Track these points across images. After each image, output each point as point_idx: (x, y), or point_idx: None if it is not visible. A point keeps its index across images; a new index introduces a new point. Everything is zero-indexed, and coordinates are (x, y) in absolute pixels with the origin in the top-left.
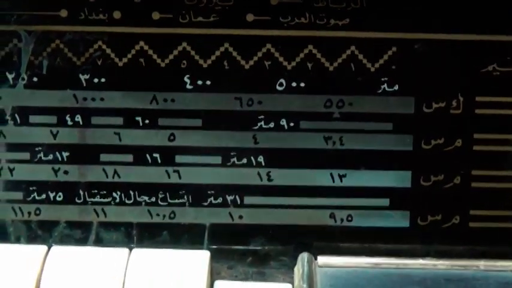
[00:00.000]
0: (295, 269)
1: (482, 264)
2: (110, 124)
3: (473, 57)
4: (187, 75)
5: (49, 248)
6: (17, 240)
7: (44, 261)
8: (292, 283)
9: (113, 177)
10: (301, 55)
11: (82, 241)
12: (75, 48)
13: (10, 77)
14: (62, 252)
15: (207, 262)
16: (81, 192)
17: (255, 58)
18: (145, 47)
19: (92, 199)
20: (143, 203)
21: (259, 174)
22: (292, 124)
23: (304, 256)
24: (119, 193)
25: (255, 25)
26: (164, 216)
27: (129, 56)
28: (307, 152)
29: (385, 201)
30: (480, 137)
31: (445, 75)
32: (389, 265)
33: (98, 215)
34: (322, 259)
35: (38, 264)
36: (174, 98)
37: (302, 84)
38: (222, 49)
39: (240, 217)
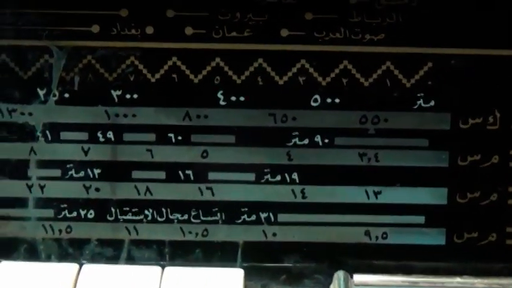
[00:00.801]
0: (331, 287)
1: None
2: (142, 140)
3: (511, 72)
4: (221, 91)
5: (80, 266)
6: (48, 259)
7: (75, 280)
8: None
9: (145, 194)
10: (336, 70)
11: (113, 259)
12: (107, 64)
13: (41, 93)
14: (94, 271)
15: (241, 281)
16: (113, 210)
17: (289, 74)
18: (178, 63)
19: (124, 216)
20: (175, 221)
21: (293, 191)
22: (326, 140)
23: (340, 274)
24: (151, 210)
25: (290, 40)
26: (197, 233)
27: (162, 71)
28: (341, 168)
29: (421, 219)
30: None
31: (482, 90)
32: (427, 284)
33: (129, 233)
34: (358, 277)
35: (70, 283)
36: (207, 114)
37: (337, 100)
38: (255, 64)
39: (274, 234)
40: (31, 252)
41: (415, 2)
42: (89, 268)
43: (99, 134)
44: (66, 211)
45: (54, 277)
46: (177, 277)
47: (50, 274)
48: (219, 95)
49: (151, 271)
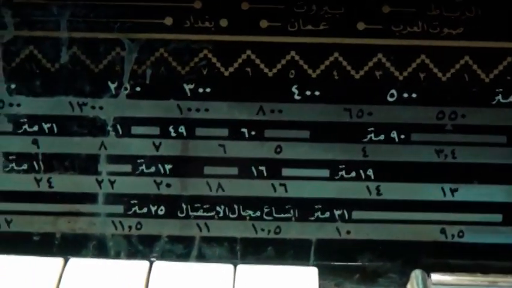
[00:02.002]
0: (408, 286)
1: None
2: (215, 135)
3: None
4: (295, 86)
5: (150, 264)
6: (117, 256)
7: (147, 278)
8: None
9: (217, 191)
10: (413, 65)
11: (184, 256)
12: (179, 57)
13: (112, 86)
14: (164, 268)
15: (316, 279)
16: (184, 206)
17: (366, 68)
18: (252, 56)
19: (195, 213)
20: (248, 218)
21: (368, 188)
22: (403, 136)
23: (417, 273)
24: (222, 207)
25: (366, 34)
26: (269, 231)
27: (236, 65)
28: (418, 165)
29: (498, 217)
30: None
31: None
32: (507, 283)
33: (200, 230)
34: (436, 276)
35: (141, 281)
36: (281, 109)
37: (414, 95)
38: (331, 58)
39: (348, 232)
40: (100, 248)
41: None
42: (159, 266)
43: (171, 129)
44: (137, 207)
45: (123, 274)
46: (250, 275)
47: (119, 271)
48: (294, 89)
49: (224, 269)
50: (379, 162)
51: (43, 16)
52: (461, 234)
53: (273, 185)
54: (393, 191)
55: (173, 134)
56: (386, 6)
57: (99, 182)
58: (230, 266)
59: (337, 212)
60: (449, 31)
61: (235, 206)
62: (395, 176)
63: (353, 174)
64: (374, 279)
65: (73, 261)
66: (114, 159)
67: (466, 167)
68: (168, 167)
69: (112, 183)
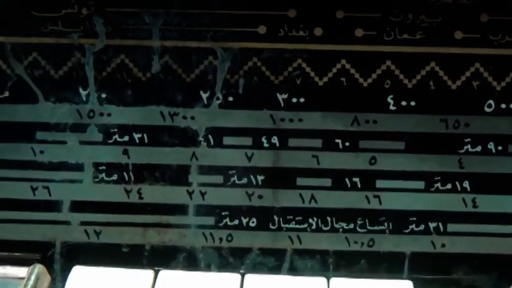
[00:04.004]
0: None
1: None
2: (308, 146)
3: None
4: (391, 96)
5: (242, 277)
6: (208, 268)
7: None
8: None
9: (310, 202)
10: None
11: (275, 269)
12: (273, 67)
13: (204, 96)
14: (256, 281)
15: None
16: (276, 218)
17: (463, 78)
18: (347, 66)
19: (287, 225)
20: (341, 230)
21: (464, 200)
22: (500, 148)
23: None
24: (315, 219)
25: (464, 43)
26: (362, 243)
27: (330, 74)
28: None
29: None
30: None
31: None
32: None
33: (292, 242)
34: None
35: None
36: (376, 120)
37: None
38: (427, 68)
39: (443, 245)
40: (190, 261)
41: None
42: (251, 279)
43: (264, 139)
44: (228, 219)
45: (214, 287)
46: None
47: (210, 284)
48: (389, 99)
49: (317, 282)
50: (475, 174)
51: (135, 25)
52: None
53: (366, 197)
54: (489, 203)
55: (266, 145)
56: (485, 15)
57: (190, 193)
58: (323, 279)
59: (432, 225)
60: None
61: (328, 218)
62: (492, 188)
63: (449, 186)
64: None
65: (163, 273)
66: (205, 170)
67: None
68: (260, 178)
69: (203, 194)
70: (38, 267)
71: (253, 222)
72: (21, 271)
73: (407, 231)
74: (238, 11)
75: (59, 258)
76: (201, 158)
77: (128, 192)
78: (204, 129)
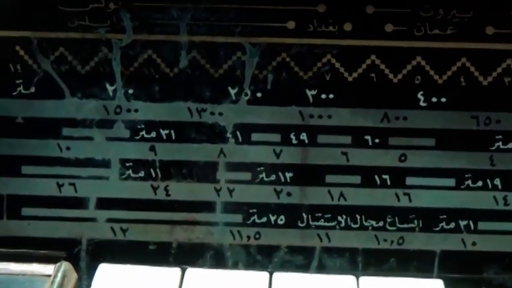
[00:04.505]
0: None
1: None
2: (337, 143)
3: None
4: (421, 92)
5: (270, 275)
6: (235, 266)
7: None
8: None
9: (339, 200)
10: None
11: (304, 267)
12: (302, 62)
13: (232, 92)
14: (284, 280)
15: None
16: (304, 216)
17: (494, 74)
18: (377, 61)
19: (316, 223)
20: (370, 228)
21: (494, 198)
22: None
23: None
24: (344, 217)
25: (495, 39)
26: (392, 241)
27: (360, 70)
28: None
29: None
30: None
31: None
32: None
33: (321, 240)
34: None
35: None
36: (406, 116)
37: None
38: (458, 64)
39: (473, 244)
40: (218, 259)
41: None
42: (279, 277)
43: (292, 136)
44: (256, 216)
45: (242, 286)
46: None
47: (237, 282)
48: (419, 95)
49: (346, 281)
50: (506, 172)
51: (162, 19)
52: None
53: (396, 194)
54: None
55: (294, 141)
56: None
57: (218, 190)
58: (352, 278)
59: (462, 223)
60: None
61: (357, 216)
62: None
63: (479, 183)
64: None
65: (191, 271)
66: (233, 166)
67: None
68: (288, 175)
69: (231, 191)
70: (65, 265)
71: (281, 219)
72: (47, 269)
73: (437, 229)
74: (267, 6)
75: (85, 256)
76: (229, 154)
77: (154, 189)
78: (232, 125)
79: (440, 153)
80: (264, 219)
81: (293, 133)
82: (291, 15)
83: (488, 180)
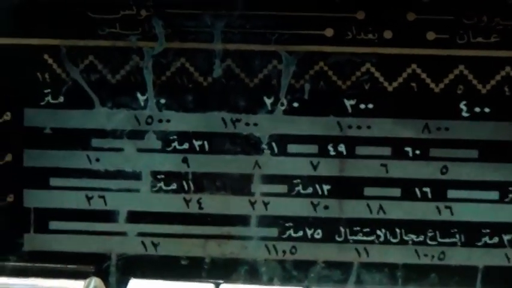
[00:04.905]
0: None
1: None
2: (376, 155)
3: None
4: (464, 102)
5: None
6: (270, 282)
7: None
8: None
9: (378, 213)
10: None
11: (341, 283)
12: (340, 71)
13: (268, 102)
14: None
15: None
16: (342, 229)
17: None
18: (418, 70)
19: (354, 237)
20: (410, 242)
21: None
22: None
23: None
24: (383, 231)
25: None
26: (433, 256)
27: (400, 79)
28: None
29: None
30: None
31: None
32: None
33: (359, 255)
34: None
35: None
36: (448, 127)
37: None
38: (503, 73)
39: None
40: (252, 274)
41: None
42: None
43: (330, 147)
44: (292, 230)
45: None
46: None
47: None
48: (462, 105)
49: None
50: None
51: (196, 27)
52: None
53: (437, 208)
54: None
55: (332, 153)
56: None
57: (252, 204)
58: None
59: (506, 237)
60: None
61: (397, 230)
62: None
63: None
64: None
65: (224, 287)
66: (268, 179)
67: None
68: (326, 187)
69: (266, 204)
70: (95, 281)
71: (318, 233)
72: (76, 284)
73: (480, 243)
74: (304, 13)
75: (115, 271)
76: (264, 166)
77: (187, 202)
78: (268, 136)
79: (484, 165)
80: (300, 233)
81: (331, 144)
82: (329, 23)
83: None
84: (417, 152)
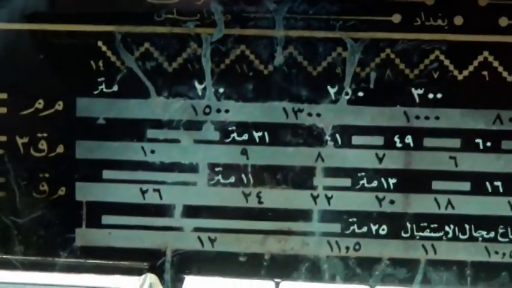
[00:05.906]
0: None
1: None
2: (445, 147)
3: None
4: None
5: None
6: (332, 280)
7: None
8: None
9: (446, 208)
10: None
11: (407, 281)
12: (408, 59)
13: (332, 91)
14: None
15: None
16: (408, 225)
17: None
18: (490, 58)
19: (421, 233)
20: (480, 239)
21: None
22: None
23: None
24: (452, 227)
25: None
26: (504, 254)
27: (471, 68)
28: None
29: None
30: None
31: None
32: None
33: (426, 252)
34: None
35: None
36: None
37: None
38: None
39: None
40: (314, 271)
41: None
42: None
43: (396, 139)
44: (355, 226)
45: None
46: None
47: None
48: None
49: None
50: None
51: (256, 13)
52: None
53: (509, 203)
54: None
55: (399, 145)
56: None
57: (315, 198)
58: None
59: None
60: None
61: (466, 226)
62: None
63: None
64: None
65: (284, 285)
66: (332, 172)
67: None
68: (392, 181)
69: (329, 199)
70: (151, 277)
71: (383, 229)
72: (130, 281)
73: None
74: None
75: (170, 268)
76: (328, 159)
77: (246, 196)
78: (331, 127)
79: None
80: (365, 229)
81: (397, 136)
82: (396, 8)
83: None
84: (488, 144)
